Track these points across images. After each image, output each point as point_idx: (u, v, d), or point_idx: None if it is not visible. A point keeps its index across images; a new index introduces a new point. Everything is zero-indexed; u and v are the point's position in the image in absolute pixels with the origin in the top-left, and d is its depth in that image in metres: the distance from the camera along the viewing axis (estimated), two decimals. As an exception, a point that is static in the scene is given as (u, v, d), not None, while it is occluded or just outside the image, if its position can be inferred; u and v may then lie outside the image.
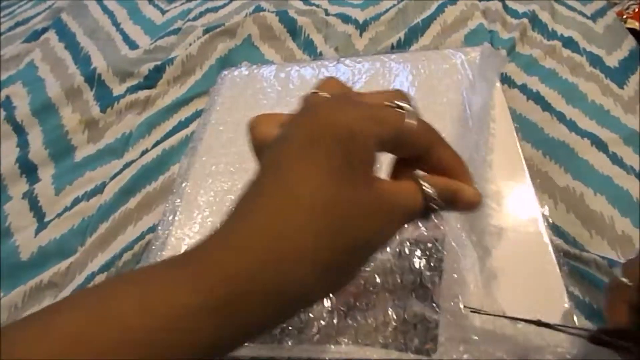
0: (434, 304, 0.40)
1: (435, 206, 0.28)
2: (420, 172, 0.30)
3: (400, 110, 0.28)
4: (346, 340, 0.39)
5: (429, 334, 0.38)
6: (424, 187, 0.28)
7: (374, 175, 0.27)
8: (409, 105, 0.29)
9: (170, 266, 0.25)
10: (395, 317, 0.39)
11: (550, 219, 0.51)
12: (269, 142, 0.28)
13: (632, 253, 0.48)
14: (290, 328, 0.40)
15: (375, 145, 0.26)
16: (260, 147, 0.30)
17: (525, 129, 0.60)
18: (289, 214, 0.24)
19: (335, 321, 0.40)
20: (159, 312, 0.22)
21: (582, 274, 0.47)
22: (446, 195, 0.29)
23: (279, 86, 0.66)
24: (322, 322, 0.40)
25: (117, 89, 0.79)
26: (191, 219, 0.53)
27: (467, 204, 0.30)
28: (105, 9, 0.97)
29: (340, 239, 0.25)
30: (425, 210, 0.28)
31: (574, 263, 0.47)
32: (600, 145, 0.58)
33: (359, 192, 0.25)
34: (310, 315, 0.40)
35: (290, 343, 0.39)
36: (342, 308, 0.40)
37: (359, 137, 0.25)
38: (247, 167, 0.56)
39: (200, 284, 0.23)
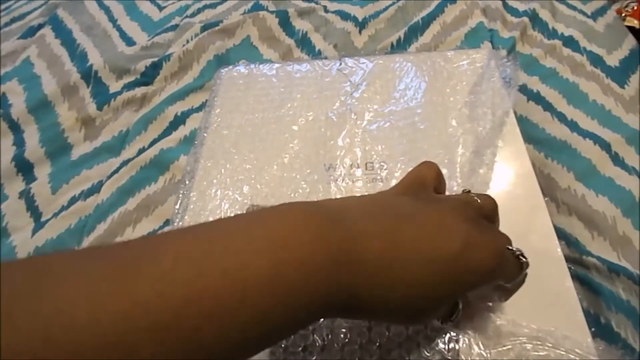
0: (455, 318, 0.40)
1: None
2: None
3: (523, 262, 0.34)
4: (370, 357, 0.39)
5: (448, 346, 0.38)
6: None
7: None
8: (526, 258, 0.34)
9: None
10: (417, 332, 0.39)
11: (552, 221, 0.51)
12: (424, 185, 0.34)
13: (632, 254, 0.48)
14: (313, 346, 0.40)
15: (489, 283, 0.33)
16: (420, 183, 0.35)
17: (527, 130, 0.60)
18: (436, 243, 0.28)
19: (358, 338, 0.39)
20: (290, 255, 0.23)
21: (582, 278, 0.47)
22: None
23: (281, 87, 0.65)
24: (346, 339, 0.40)
25: (114, 86, 0.78)
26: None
27: None
28: (102, 5, 0.96)
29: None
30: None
31: (574, 268, 0.47)
32: (602, 145, 0.57)
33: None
34: (333, 332, 0.40)
35: (313, 359, 0.39)
36: (364, 325, 0.40)
37: (494, 274, 0.31)
38: (253, 174, 0.55)
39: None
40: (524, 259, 0.33)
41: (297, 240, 0.23)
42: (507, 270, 0.32)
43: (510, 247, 0.33)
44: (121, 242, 0.23)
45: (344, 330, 0.40)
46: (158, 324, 0.19)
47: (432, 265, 0.27)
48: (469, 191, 0.36)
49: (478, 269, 0.29)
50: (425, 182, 0.35)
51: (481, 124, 0.54)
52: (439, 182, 0.36)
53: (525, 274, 0.36)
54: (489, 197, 0.36)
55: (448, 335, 0.38)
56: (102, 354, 0.18)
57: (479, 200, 0.34)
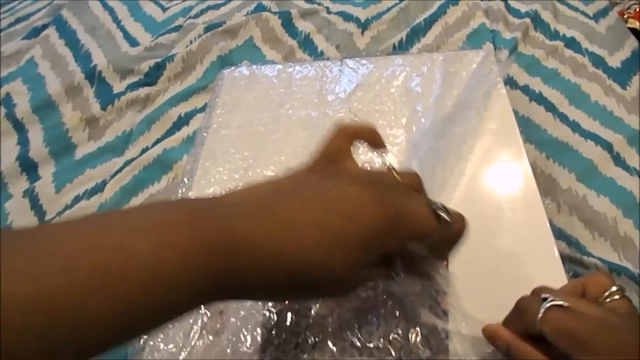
0: (444, 315, 0.40)
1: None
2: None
3: (437, 215, 0.32)
4: (360, 355, 0.39)
5: (441, 345, 0.38)
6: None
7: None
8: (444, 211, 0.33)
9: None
10: (406, 329, 0.39)
11: (553, 222, 0.51)
12: (335, 158, 0.34)
13: (633, 254, 0.48)
14: (305, 343, 0.40)
15: (401, 244, 0.32)
16: (331, 153, 0.35)
17: (529, 131, 0.60)
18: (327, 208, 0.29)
19: (348, 336, 0.40)
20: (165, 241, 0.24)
21: None
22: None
23: (281, 88, 0.65)
24: (336, 338, 0.40)
25: (118, 86, 0.79)
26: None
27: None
28: (106, 6, 0.97)
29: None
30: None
31: (575, 267, 0.48)
32: (604, 146, 0.58)
33: (350, 279, 0.30)
34: (325, 330, 0.40)
35: (305, 357, 0.39)
36: (354, 323, 0.40)
37: (390, 249, 0.31)
38: (250, 173, 0.55)
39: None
40: (442, 213, 0.32)
41: (177, 228, 0.25)
42: (415, 225, 0.31)
43: (433, 204, 0.33)
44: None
45: (335, 328, 0.40)
46: (48, 296, 0.21)
47: (316, 232, 0.27)
48: (390, 167, 0.34)
49: (366, 226, 0.28)
50: (333, 154, 0.35)
51: (481, 124, 0.55)
52: (356, 143, 0.35)
53: (449, 228, 0.34)
54: (410, 173, 0.35)
55: (440, 333, 0.38)
56: None
57: (397, 176, 0.34)
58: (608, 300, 0.32)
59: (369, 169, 0.36)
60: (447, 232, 0.34)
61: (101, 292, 0.22)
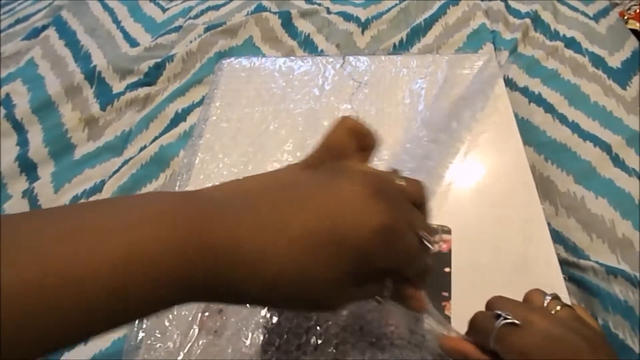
0: (446, 320, 0.40)
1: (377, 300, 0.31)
2: None
3: (423, 244, 0.30)
4: (362, 356, 0.39)
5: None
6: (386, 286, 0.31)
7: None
8: (431, 242, 0.31)
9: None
10: (408, 332, 0.39)
11: (551, 225, 0.51)
12: (334, 152, 0.32)
13: (632, 256, 0.48)
14: (307, 345, 0.40)
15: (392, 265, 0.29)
16: (334, 147, 0.32)
17: (528, 133, 0.60)
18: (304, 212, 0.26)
19: (351, 337, 0.40)
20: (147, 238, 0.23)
21: (578, 281, 0.47)
22: (399, 297, 0.32)
23: (282, 81, 0.65)
24: (338, 339, 0.40)
25: (117, 87, 0.79)
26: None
27: (413, 308, 0.33)
28: (106, 7, 0.97)
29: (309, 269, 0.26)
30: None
31: (571, 270, 0.48)
32: (602, 147, 0.57)
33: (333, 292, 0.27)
34: (326, 332, 0.40)
35: (306, 359, 0.39)
36: (356, 325, 0.40)
37: (373, 266, 0.28)
38: (250, 167, 0.55)
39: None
40: (428, 244, 0.30)
41: (154, 226, 0.23)
42: (401, 249, 0.29)
43: (421, 233, 0.30)
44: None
45: (337, 330, 0.40)
46: (24, 291, 0.20)
47: (303, 238, 0.25)
48: (395, 171, 0.32)
49: (361, 238, 0.26)
50: (335, 148, 0.32)
51: (481, 127, 0.55)
52: (357, 143, 0.33)
53: (429, 264, 0.32)
54: (416, 182, 0.33)
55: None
56: None
57: (402, 182, 0.31)
58: (553, 312, 0.32)
59: (374, 170, 0.33)
60: (424, 263, 0.32)
61: (74, 291, 0.21)
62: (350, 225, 0.26)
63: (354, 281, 0.27)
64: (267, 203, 0.27)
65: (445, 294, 0.42)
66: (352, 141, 0.32)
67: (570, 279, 0.47)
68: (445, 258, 0.45)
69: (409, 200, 0.31)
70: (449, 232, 0.46)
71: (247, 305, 0.39)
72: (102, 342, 0.49)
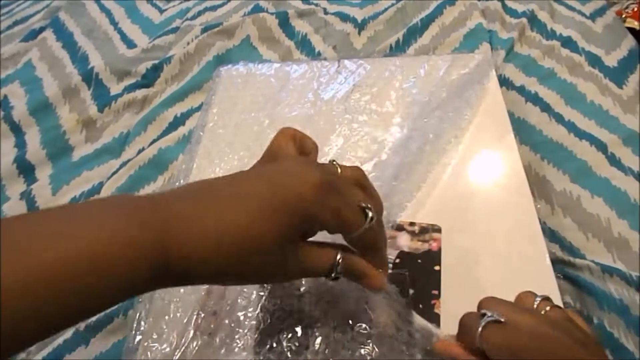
0: (436, 318, 0.40)
1: (333, 276, 0.34)
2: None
3: (365, 213, 0.33)
4: (354, 354, 0.39)
5: (431, 349, 0.38)
6: (337, 261, 0.33)
7: (303, 242, 0.33)
8: (373, 211, 0.33)
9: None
10: (398, 332, 0.39)
11: (546, 225, 0.51)
12: (276, 155, 0.36)
13: (628, 255, 0.48)
14: (296, 344, 0.40)
15: (321, 229, 0.33)
16: (272, 152, 0.37)
17: (524, 132, 0.60)
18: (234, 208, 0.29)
19: (342, 337, 0.40)
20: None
21: (574, 280, 0.47)
22: (353, 273, 0.34)
23: (278, 87, 0.65)
24: (329, 339, 0.40)
25: (115, 88, 0.79)
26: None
27: (369, 286, 0.35)
28: (103, 8, 0.97)
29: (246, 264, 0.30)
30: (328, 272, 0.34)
31: (567, 269, 0.48)
32: (599, 146, 0.57)
33: (284, 251, 0.31)
34: (318, 332, 0.40)
35: (301, 358, 0.39)
36: (347, 326, 0.40)
37: (316, 221, 0.31)
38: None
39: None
40: (369, 211, 0.33)
41: (116, 222, 0.26)
42: (342, 205, 0.32)
43: (361, 204, 0.33)
44: None
45: (328, 330, 0.40)
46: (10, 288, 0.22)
47: (241, 203, 0.29)
48: (334, 161, 0.35)
49: (293, 192, 0.30)
50: (276, 151, 0.37)
51: (475, 127, 0.55)
52: (297, 145, 0.37)
53: (379, 240, 0.35)
54: (355, 167, 0.36)
55: (432, 336, 0.38)
56: None
57: (338, 169, 0.35)
58: (542, 312, 0.33)
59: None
60: (371, 234, 0.34)
61: (44, 285, 0.23)
62: (290, 185, 0.30)
63: (293, 232, 0.31)
64: (212, 186, 0.31)
65: (435, 292, 0.43)
66: (290, 144, 0.37)
67: (565, 277, 0.47)
68: (435, 256, 0.45)
69: (347, 179, 0.34)
70: (439, 230, 0.47)
71: (213, 283, 0.41)
72: (102, 345, 0.49)
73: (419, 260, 0.45)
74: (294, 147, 0.37)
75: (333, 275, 0.33)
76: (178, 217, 0.28)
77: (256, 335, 0.41)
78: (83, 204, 0.29)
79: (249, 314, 0.43)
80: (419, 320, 0.39)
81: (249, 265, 0.30)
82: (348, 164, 0.36)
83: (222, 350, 0.41)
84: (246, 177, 0.32)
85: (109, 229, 0.25)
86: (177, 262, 0.27)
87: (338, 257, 0.33)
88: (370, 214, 0.33)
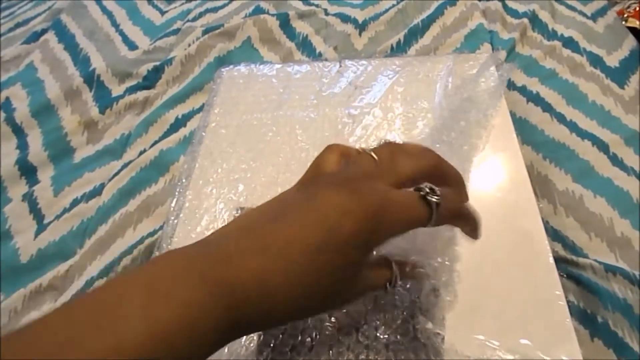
0: (441, 319, 0.40)
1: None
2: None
3: (431, 200, 0.31)
4: (357, 358, 0.39)
5: (438, 348, 0.38)
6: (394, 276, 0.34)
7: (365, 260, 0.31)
8: (438, 194, 0.31)
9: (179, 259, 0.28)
10: (404, 333, 0.39)
11: (549, 224, 0.51)
12: (328, 171, 0.34)
13: (630, 255, 0.48)
14: (301, 346, 0.40)
15: (392, 236, 0.31)
16: (317, 165, 0.35)
17: (526, 132, 0.60)
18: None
19: (346, 339, 0.40)
20: (161, 312, 0.24)
21: (577, 279, 0.47)
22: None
23: (280, 87, 0.65)
24: (333, 340, 0.40)
25: (116, 90, 0.79)
26: (192, 229, 0.52)
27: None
28: (105, 10, 0.97)
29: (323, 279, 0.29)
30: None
31: (570, 268, 0.48)
32: (600, 146, 0.57)
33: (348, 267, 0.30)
34: (322, 333, 0.40)
35: (301, 359, 0.39)
36: (352, 326, 0.40)
37: (376, 244, 0.31)
38: (249, 174, 0.55)
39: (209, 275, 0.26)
40: (432, 197, 0.31)
41: (177, 290, 0.25)
42: (401, 212, 0.30)
43: (421, 189, 0.31)
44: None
45: (332, 331, 0.40)
46: None
47: (302, 256, 0.28)
48: (364, 150, 0.34)
49: (347, 232, 0.28)
50: (321, 168, 0.35)
51: (478, 127, 0.55)
52: (342, 160, 0.35)
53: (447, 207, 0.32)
54: (388, 147, 0.34)
55: (437, 337, 0.38)
56: None
57: (374, 155, 0.33)
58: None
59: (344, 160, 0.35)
60: (446, 212, 0.32)
61: None
62: (334, 226, 0.28)
63: (354, 267, 0.30)
64: (269, 231, 0.29)
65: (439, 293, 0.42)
66: (334, 158, 0.35)
67: (569, 276, 0.47)
68: None
69: (389, 172, 0.32)
70: None
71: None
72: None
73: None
74: (338, 163, 0.35)
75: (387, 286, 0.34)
76: (249, 276, 0.27)
77: (259, 335, 0.41)
78: (144, 277, 0.27)
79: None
80: (423, 321, 0.39)
81: (316, 308, 0.31)
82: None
83: (225, 350, 0.41)
84: (295, 217, 0.30)
85: (195, 306, 0.25)
86: (244, 320, 0.27)
87: (394, 267, 0.34)
88: (434, 200, 0.31)
